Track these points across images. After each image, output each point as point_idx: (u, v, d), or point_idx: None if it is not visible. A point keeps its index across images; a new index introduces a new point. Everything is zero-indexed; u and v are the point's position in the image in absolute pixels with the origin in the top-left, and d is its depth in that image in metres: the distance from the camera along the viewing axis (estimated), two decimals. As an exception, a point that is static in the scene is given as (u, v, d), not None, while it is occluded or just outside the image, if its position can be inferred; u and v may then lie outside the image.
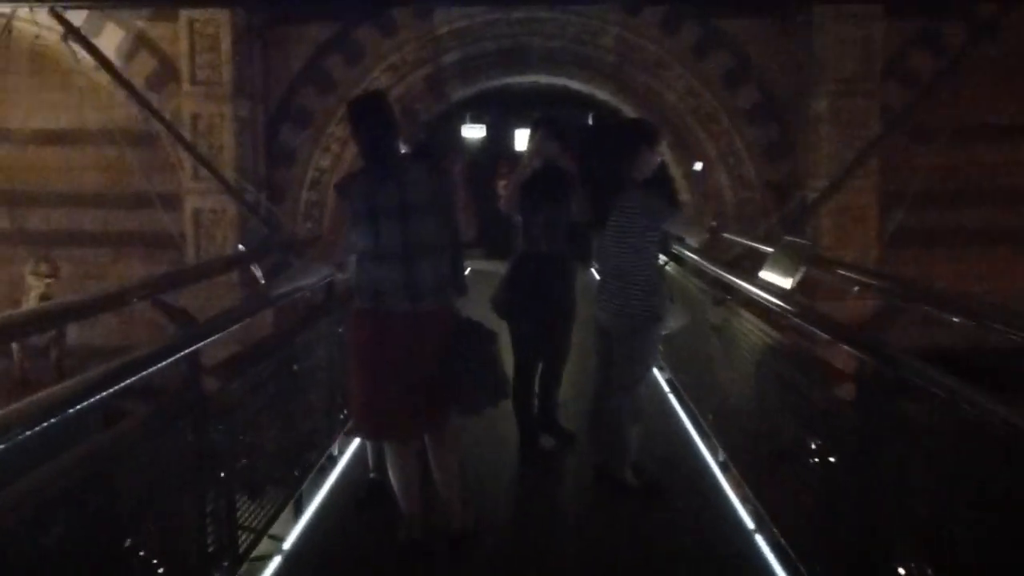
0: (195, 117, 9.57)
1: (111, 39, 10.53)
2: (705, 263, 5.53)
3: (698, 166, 3.92)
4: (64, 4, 7.73)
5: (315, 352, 4.45)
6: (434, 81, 11.17)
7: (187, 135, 9.54)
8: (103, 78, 10.78)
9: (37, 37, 10.57)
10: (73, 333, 10.74)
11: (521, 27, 10.36)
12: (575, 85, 12.46)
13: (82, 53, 9.65)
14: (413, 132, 5.83)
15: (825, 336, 3.06)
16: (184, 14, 9.38)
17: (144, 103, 8.09)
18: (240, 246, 4.37)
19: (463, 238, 3.73)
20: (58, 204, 11.97)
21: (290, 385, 4.06)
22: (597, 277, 4.59)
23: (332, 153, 10.60)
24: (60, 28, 10.24)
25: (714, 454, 4.83)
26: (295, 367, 4.17)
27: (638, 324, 4.07)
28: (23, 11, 8.71)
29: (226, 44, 9.42)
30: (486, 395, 3.37)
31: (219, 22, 9.38)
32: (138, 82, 10.54)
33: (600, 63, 11.08)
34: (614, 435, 4.23)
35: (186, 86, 9.56)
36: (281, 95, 10.39)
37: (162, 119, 8.18)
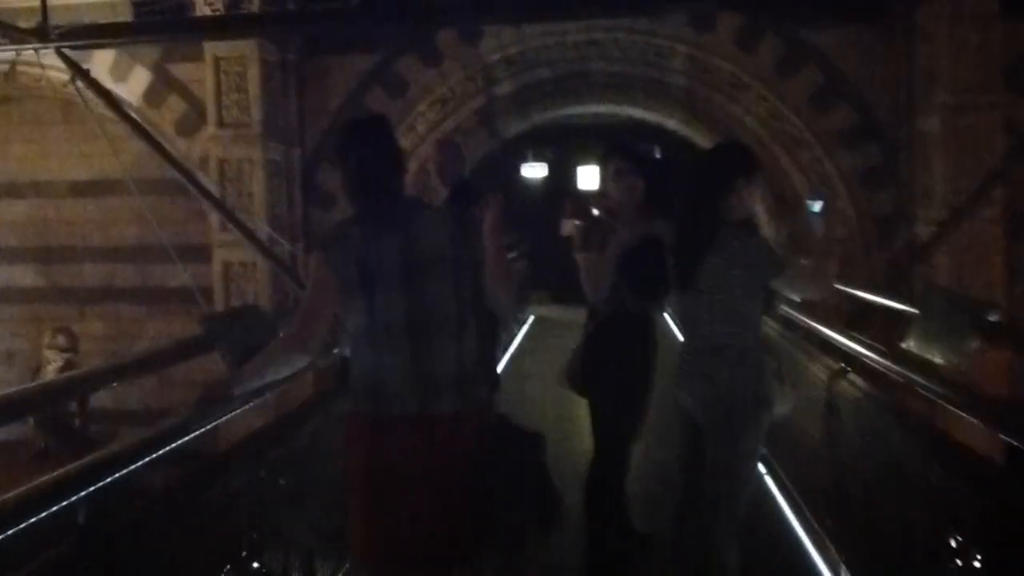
0: (222, 162, 8.74)
1: (139, 82, 9.87)
2: (823, 328, 4.45)
3: (817, 205, 2.93)
4: (69, 44, 6.94)
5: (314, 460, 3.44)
6: (485, 115, 10.19)
7: (214, 182, 8.73)
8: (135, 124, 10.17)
9: (66, 85, 10.00)
10: (106, 395, 10.08)
11: (579, 51, 9.30)
12: (641, 114, 11.35)
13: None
14: (453, 170, 4.86)
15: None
16: (209, 52, 8.60)
17: (161, 149, 7.25)
18: (204, 324, 3.32)
19: (490, 306, 2.71)
20: (93, 259, 11.41)
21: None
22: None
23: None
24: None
25: (835, 571, 3.83)
26: (281, 481, 3.18)
27: (737, 414, 3.03)
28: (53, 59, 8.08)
29: (254, 82, 8.59)
30: (533, 525, 2.59)
31: (246, 58, 8.56)
32: (167, 128, 9.85)
33: (669, 87, 9.94)
34: (706, 563, 3.13)
35: (212, 129, 8.75)
36: (319, 134, 9.52)
37: (180, 166, 7.32)
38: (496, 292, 2.60)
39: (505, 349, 11.19)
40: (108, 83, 9.95)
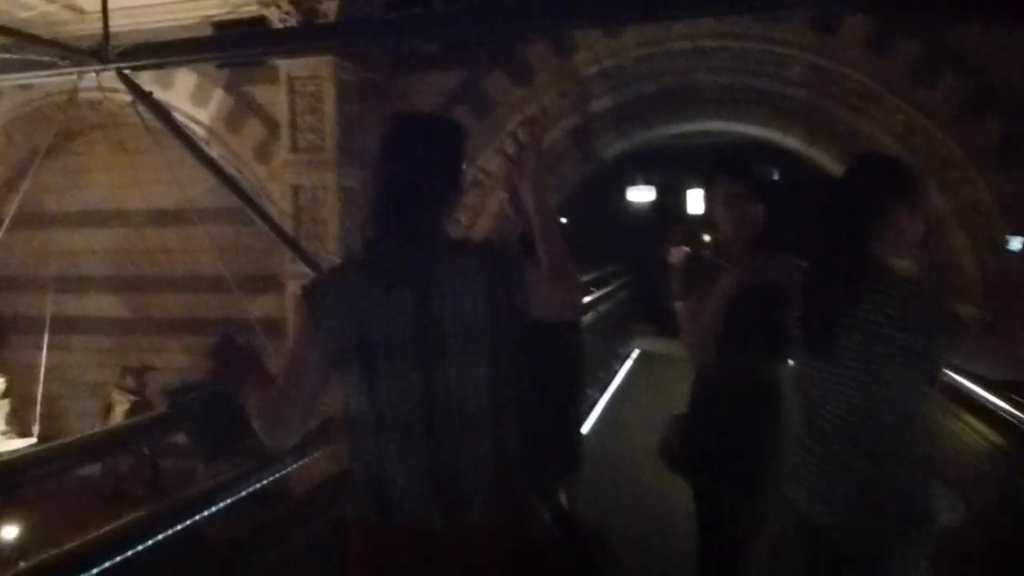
0: (296, 189, 8.17)
1: (220, 106, 9.48)
2: (988, 394, 3.38)
3: (1016, 242, 2.01)
4: (129, 65, 6.45)
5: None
6: (580, 134, 9.33)
7: (288, 210, 8.18)
8: (213, 151, 9.78)
9: (122, 107, 9.69)
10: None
11: (684, 61, 8.33)
12: (755, 131, 10.25)
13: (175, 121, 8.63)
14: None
15: None
16: (284, 71, 8.07)
17: (222, 175, 6.69)
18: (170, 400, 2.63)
19: (542, 314, 1.93)
20: (175, 289, 11.12)
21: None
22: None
23: (460, 226, 8.91)
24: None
25: None
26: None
27: (888, 531, 2.15)
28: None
29: (329, 103, 7.99)
30: None
31: (322, 78, 7.98)
32: (247, 153, 9.42)
33: (787, 101, 8.84)
34: None
35: (285, 154, 8.20)
36: (400, 158, 8.84)
37: (242, 193, 6.73)
38: (552, 293, 1.86)
39: (602, 390, 10.23)
40: (189, 108, 9.66)
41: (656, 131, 10.10)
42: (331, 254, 7.96)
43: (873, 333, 2.13)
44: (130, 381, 8.63)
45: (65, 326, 11.80)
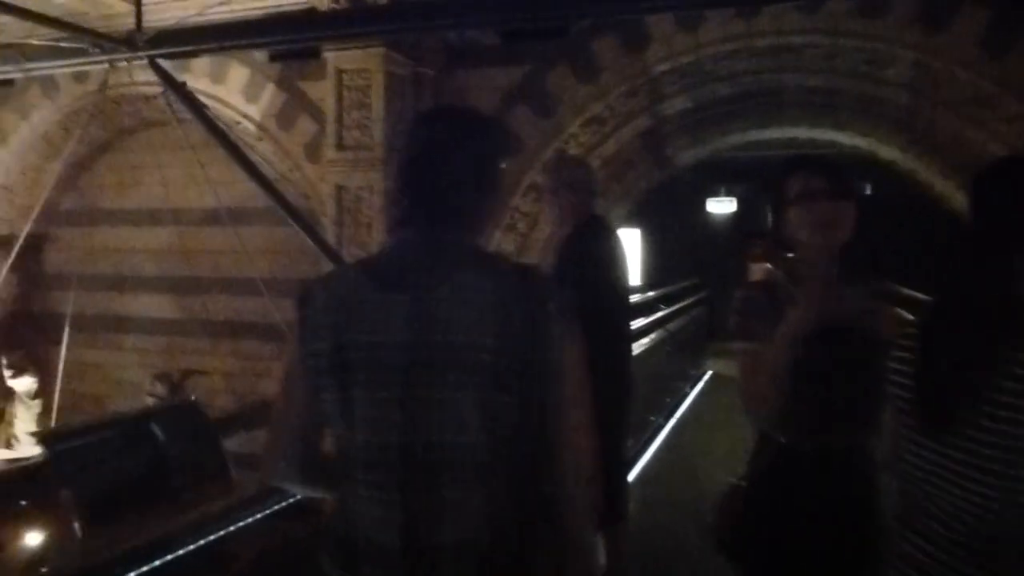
0: (339, 190, 7.62)
1: (271, 102, 9.04)
2: None
3: None
4: (161, 53, 6.01)
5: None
6: (651, 138, 8.57)
7: (332, 211, 7.66)
8: (265, 148, 9.37)
9: (238, 124, 9.35)
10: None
11: (768, 59, 7.49)
12: (847, 140, 9.31)
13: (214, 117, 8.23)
14: (575, 200, 3.84)
15: None
16: (332, 64, 7.54)
17: (255, 173, 6.20)
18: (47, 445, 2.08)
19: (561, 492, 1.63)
20: (226, 290, 10.75)
21: None
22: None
23: (517, 233, 8.26)
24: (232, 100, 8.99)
25: None
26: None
27: None
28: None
29: (378, 98, 7.42)
30: None
31: (371, 71, 7.43)
32: (296, 151, 8.95)
33: (885, 105, 7.90)
34: None
35: (330, 152, 7.66)
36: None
37: (277, 195, 6.22)
38: (565, 474, 1.62)
39: (669, 415, 9.44)
40: (241, 104, 9.26)
41: (735, 137, 9.25)
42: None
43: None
44: (160, 388, 8.23)
45: (116, 325, 11.65)
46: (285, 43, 6.24)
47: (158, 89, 9.16)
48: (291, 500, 2.30)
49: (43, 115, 10.52)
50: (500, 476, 1.56)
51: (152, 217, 11.08)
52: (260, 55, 8.91)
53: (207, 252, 10.69)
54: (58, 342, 11.73)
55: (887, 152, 9.17)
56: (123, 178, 11.35)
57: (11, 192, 11.07)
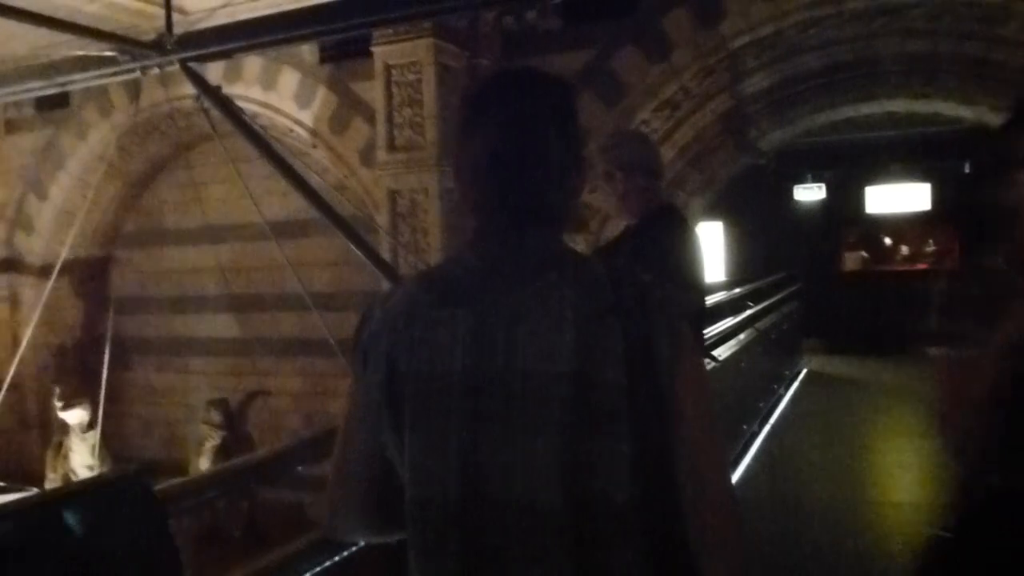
0: (393, 194, 7.09)
1: (325, 106, 8.59)
2: None
3: None
4: (192, 55, 5.56)
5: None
6: (732, 120, 7.81)
7: (385, 217, 7.13)
8: (320, 155, 8.94)
9: (291, 131, 8.98)
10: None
11: (862, 25, 6.65)
12: (950, 111, 8.35)
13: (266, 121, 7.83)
14: (637, 186, 3.14)
15: None
16: (380, 59, 7.02)
17: (300, 184, 5.70)
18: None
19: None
20: (289, 307, 10.35)
21: None
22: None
23: (588, 231, 7.60)
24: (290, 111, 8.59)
25: None
26: None
27: None
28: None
29: (429, 93, 6.87)
30: None
31: (421, 63, 6.88)
32: (351, 157, 8.48)
33: (1000, 70, 6.98)
34: None
35: (381, 154, 7.13)
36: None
37: (323, 205, 5.71)
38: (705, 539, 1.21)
39: (764, 421, 8.62)
40: (293, 110, 8.84)
41: (823, 116, 8.38)
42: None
43: None
44: (215, 416, 7.85)
45: (182, 347, 11.40)
46: (322, 33, 5.72)
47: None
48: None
49: (99, 135, 10.31)
50: (596, 549, 1.18)
51: (214, 234, 10.77)
52: (310, 56, 8.48)
53: (269, 267, 10.32)
54: (127, 367, 11.65)
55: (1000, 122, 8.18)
56: (185, 195, 11.08)
57: (73, 216, 10.91)
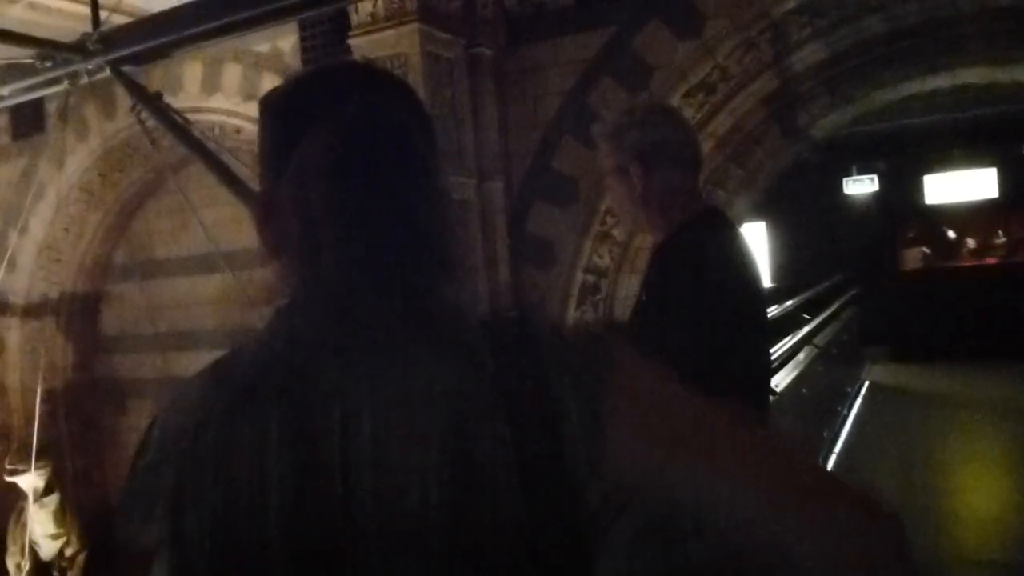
0: (383, 209, 6.01)
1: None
2: None
3: None
4: (124, 53, 4.59)
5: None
6: (780, 104, 6.65)
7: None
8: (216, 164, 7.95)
9: (238, 132, 8.12)
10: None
11: (936, -25, 5.49)
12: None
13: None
14: (665, 191, 2.30)
15: None
16: (359, 53, 5.96)
17: (248, 195, 4.69)
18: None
19: None
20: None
21: None
22: None
23: (612, 242, 6.49)
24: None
25: None
26: None
27: None
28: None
29: (417, 89, 5.79)
30: None
31: (405, 54, 5.84)
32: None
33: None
34: None
35: (367, 162, 6.06)
36: (529, 158, 6.56)
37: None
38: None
39: (828, 452, 7.44)
40: (240, 108, 7.94)
41: (885, 93, 7.14)
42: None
43: None
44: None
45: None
46: (282, 14, 4.69)
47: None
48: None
49: (77, 161, 9.44)
50: None
51: (205, 263, 9.81)
52: (291, 58, 7.47)
53: (257, 298, 9.36)
54: (123, 411, 10.76)
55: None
56: (173, 222, 10.16)
57: (55, 251, 10.04)
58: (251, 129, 7.86)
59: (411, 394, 0.80)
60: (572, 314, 6.60)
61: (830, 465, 7.17)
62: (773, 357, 5.96)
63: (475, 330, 0.87)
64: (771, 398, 5.37)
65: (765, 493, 0.79)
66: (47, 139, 9.58)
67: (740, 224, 7.87)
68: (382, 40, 5.90)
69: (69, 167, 9.51)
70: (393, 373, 0.81)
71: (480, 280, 6.27)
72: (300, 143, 0.90)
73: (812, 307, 8.57)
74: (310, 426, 0.80)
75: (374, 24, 5.96)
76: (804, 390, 6.43)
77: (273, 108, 0.96)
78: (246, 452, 0.81)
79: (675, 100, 6.08)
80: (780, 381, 5.80)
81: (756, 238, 12.03)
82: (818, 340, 7.73)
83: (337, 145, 0.88)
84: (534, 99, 6.50)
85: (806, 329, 7.42)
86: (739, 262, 2.34)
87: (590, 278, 6.59)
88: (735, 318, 2.22)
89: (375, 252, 0.85)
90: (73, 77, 4.95)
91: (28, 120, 9.68)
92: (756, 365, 2.47)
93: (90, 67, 4.79)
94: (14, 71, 5.57)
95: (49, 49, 4.80)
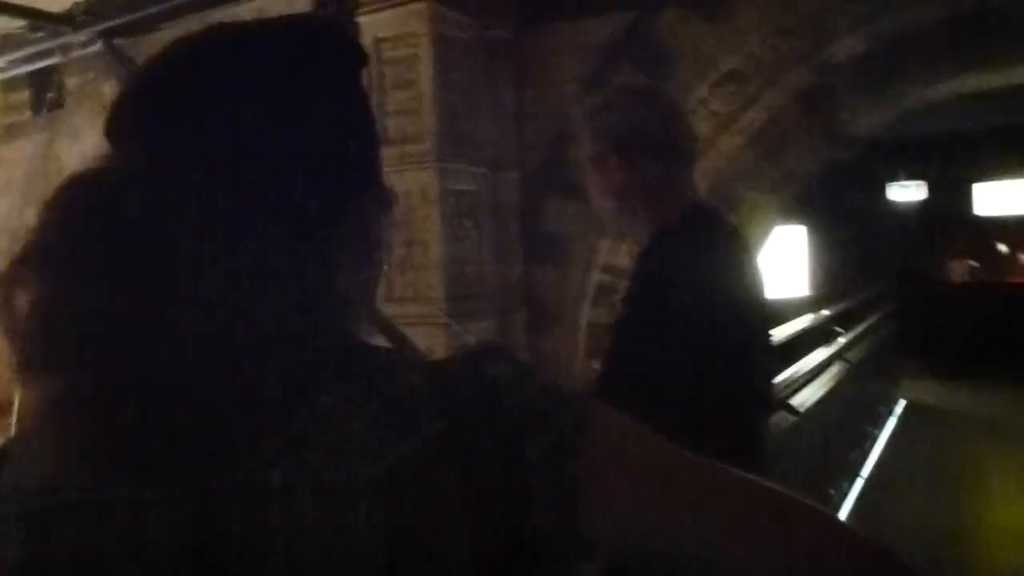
0: (384, 198, 5.68)
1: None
2: None
3: None
4: (114, 24, 4.32)
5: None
6: (816, 100, 6.18)
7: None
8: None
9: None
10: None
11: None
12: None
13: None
14: (648, 186, 1.99)
15: None
16: (369, 32, 5.62)
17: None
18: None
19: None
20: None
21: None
22: None
23: (632, 240, 6.05)
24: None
25: None
26: None
27: None
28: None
29: (426, 72, 5.47)
30: None
31: (416, 35, 5.49)
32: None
33: None
34: None
35: (372, 147, 5.72)
36: (544, 147, 6.17)
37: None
38: None
39: (853, 478, 6.97)
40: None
41: (938, 89, 6.61)
42: (432, 298, 5.42)
43: None
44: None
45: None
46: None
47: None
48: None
49: (95, 137, 9.27)
50: None
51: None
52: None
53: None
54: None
55: None
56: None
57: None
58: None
59: (333, 460, 0.67)
60: (588, 313, 6.22)
61: (855, 489, 6.72)
62: (798, 374, 5.53)
63: (417, 378, 0.73)
64: (792, 417, 4.94)
65: (764, 559, 0.71)
66: (65, 114, 9.45)
67: (773, 225, 7.41)
68: (391, 18, 5.56)
69: (87, 143, 9.35)
70: (309, 435, 0.68)
71: (479, 276, 5.92)
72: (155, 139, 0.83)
73: (847, 319, 8.07)
74: (206, 508, 0.67)
75: (384, 1, 5.63)
76: (831, 409, 5.98)
77: (125, 99, 0.88)
78: (117, 542, 0.67)
79: (703, 90, 5.66)
80: (805, 400, 5.39)
81: (794, 243, 11.50)
82: (851, 355, 7.25)
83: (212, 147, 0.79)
84: (551, 85, 6.11)
85: (838, 343, 6.94)
86: (735, 272, 2.00)
87: (607, 278, 6.18)
88: (728, 341, 1.89)
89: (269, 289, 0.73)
90: (65, 49, 4.71)
91: (48, 95, 9.56)
92: (752, 397, 2.09)
93: (82, 39, 4.55)
94: (10, 43, 5.37)
95: (37, 20, 4.55)
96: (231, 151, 0.76)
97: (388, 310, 5.41)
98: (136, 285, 0.71)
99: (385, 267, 0.96)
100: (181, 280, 0.70)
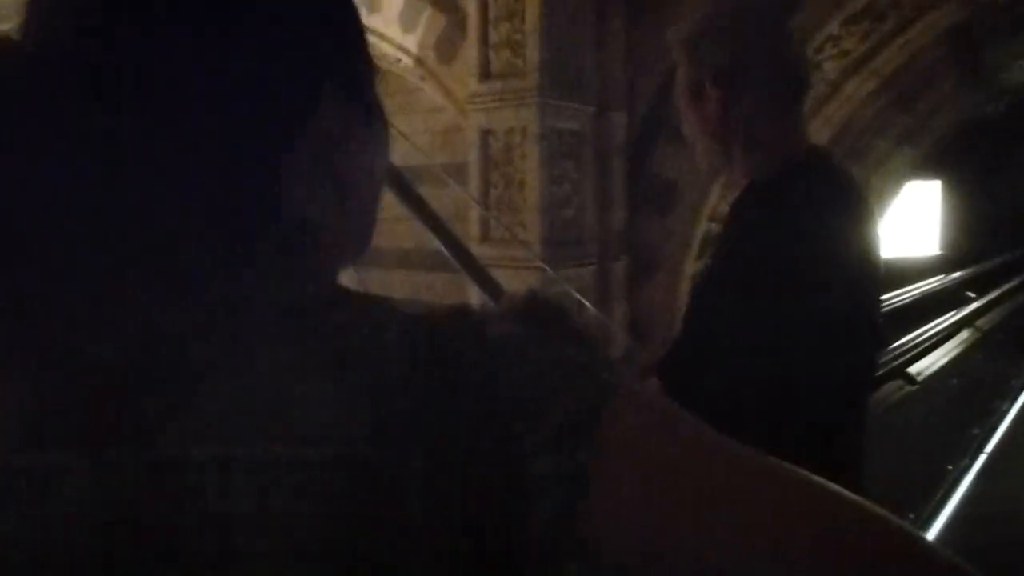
0: (485, 135, 5.50)
1: (431, 29, 7.11)
2: None
3: None
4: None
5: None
6: (963, 41, 5.61)
7: (477, 164, 5.60)
8: (432, 89, 7.53)
9: (399, 61, 7.68)
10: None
11: None
12: None
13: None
14: (752, 122, 1.70)
15: None
16: (474, -42, 5.40)
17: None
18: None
19: None
20: (407, 265, 9.18)
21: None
22: None
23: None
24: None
25: None
26: None
27: None
28: None
29: (534, 2, 5.20)
30: None
31: (525, -36, 5.23)
32: (460, 91, 6.98)
33: None
34: None
35: (473, 83, 5.52)
36: (654, 89, 5.83)
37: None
38: None
39: (976, 452, 6.45)
40: (398, 36, 7.46)
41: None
42: (525, 241, 5.23)
43: None
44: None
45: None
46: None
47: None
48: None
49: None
50: None
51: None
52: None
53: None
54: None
55: None
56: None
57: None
58: (372, 42, 7.51)
59: (284, 423, 0.53)
60: (691, 266, 5.93)
61: (976, 467, 6.24)
62: (920, 339, 5.12)
63: (391, 335, 0.57)
64: (909, 386, 4.56)
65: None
66: None
67: (904, 179, 6.86)
68: (497, -56, 5.30)
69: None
70: (259, 393, 0.54)
71: (580, 220, 5.68)
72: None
73: (980, 283, 7.46)
74: (131, 477, 0.55)
75: (490, -77, 5.38)
76: (954, 380, 5.52)
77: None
78: (44, 515, 0.56)
79: (833, 27, 5.19)
80: (925, 368, 4.98)
81: (927, 198, 10.73)
82: (982, 322, 6.70)
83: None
84: (664, 22, 5.73)
85: (969, 308, 6.41)
86: (841, 234, 1.71)
87: (715, 227, 5.86)
88: (822, 316, 1.61)
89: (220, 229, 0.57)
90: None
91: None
92: (853, 372, 1.81)
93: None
94: None
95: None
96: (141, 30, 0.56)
97: (482, 252, 5.27)
98: (20, 209, 0.53)
99: (380, 205, 0.75)
100: (66, 199, 0.53)
